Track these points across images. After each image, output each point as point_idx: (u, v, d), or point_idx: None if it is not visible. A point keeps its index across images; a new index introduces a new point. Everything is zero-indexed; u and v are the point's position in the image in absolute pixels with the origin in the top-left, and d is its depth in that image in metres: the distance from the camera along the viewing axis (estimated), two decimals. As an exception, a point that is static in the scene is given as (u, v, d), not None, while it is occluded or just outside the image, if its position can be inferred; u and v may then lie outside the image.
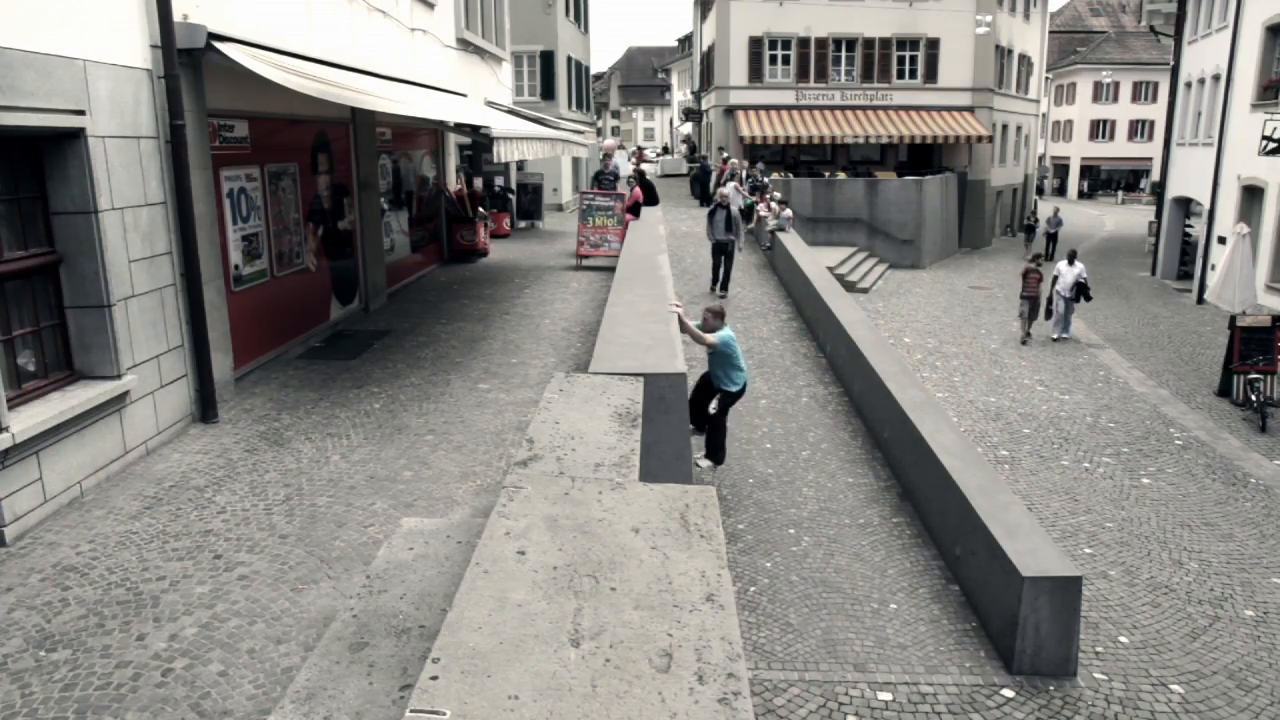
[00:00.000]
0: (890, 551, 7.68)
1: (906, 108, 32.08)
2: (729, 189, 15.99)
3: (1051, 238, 31.91)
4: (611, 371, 5.07)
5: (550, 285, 14.33)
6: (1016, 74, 37.18)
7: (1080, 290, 17.60)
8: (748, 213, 22.44)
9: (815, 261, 16.19)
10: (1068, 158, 62.09)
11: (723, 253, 15.81)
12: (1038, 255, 18.98)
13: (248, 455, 6.70)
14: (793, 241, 18.13)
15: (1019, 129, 38.80)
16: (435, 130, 15.26)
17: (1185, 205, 26.10)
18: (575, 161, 29.93)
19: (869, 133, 31.13)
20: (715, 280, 16.15)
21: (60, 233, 6.02)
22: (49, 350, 6.07)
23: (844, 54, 32.48)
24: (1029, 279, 17.64)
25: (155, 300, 6.72)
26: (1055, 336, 17.61)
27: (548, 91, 28.30)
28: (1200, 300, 22.19)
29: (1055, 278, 17.84)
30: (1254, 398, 12.76)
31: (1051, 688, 5.99)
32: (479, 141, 15.98)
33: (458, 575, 2.58)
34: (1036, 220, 35.18)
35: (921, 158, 33.39)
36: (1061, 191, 62.32)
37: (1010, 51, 35.80)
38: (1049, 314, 17.88)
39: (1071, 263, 17.77)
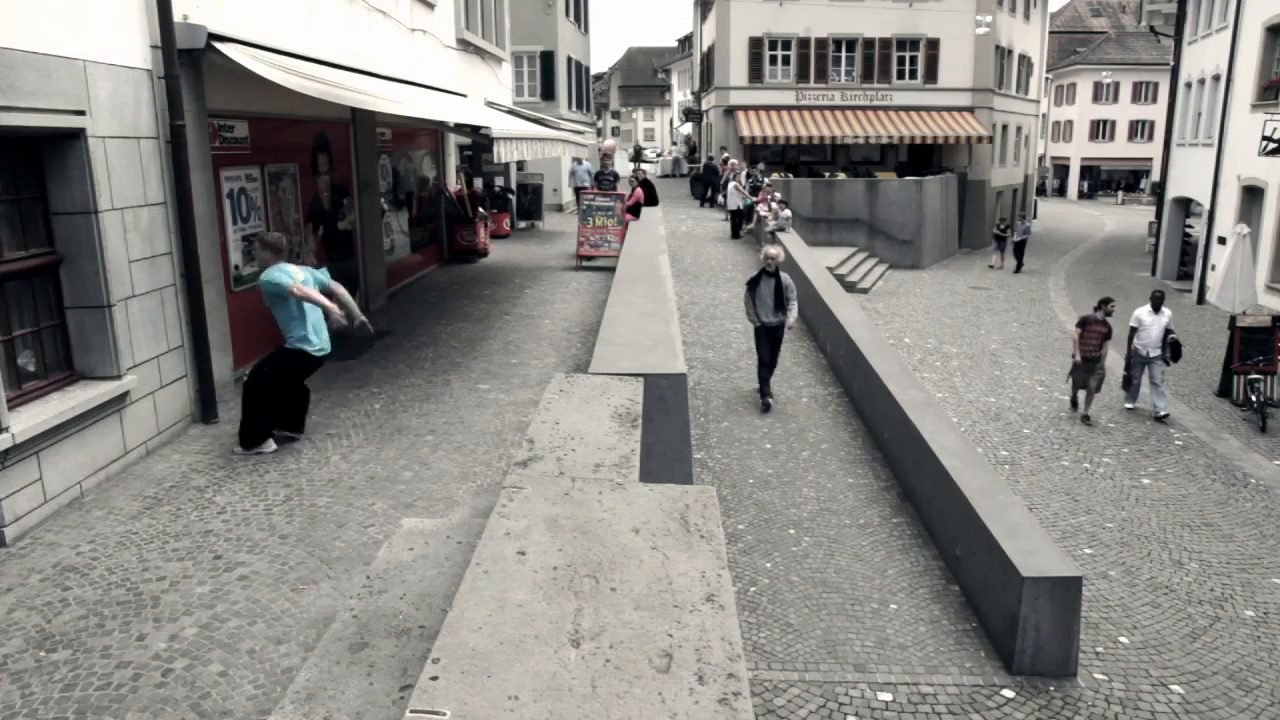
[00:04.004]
0: (890, 552, 7.68)
1: (906, 108, 32.08)
2: (775, 249, 11.16)
3: (1019, 247, 28.23)
4: (611, 372, 5.07)
5: (550, 285, 14.33)
6: (1016, 74, 37.19)
7: (1173, 349, 12.52)
8: (748, 213, 22.44)
9: (815, 262, 16.19)
10: (1068, 158, 62.12)
11: (770, 340, 10.77)
12: (1107, 300, 12.69)
13: (248, 455, 6.70)
14: (793, 242, 18.12)
15: (1019, 129, 38.81)
16: (435, 130, 15.26)
17: (1185, 206, 26.11)
18: (576, 162, 29.95)
19: (869, 133, 31.13)
20: (765, 382, 10.91)
21: (60, 233, 6.02)
22: (49, 350, 6.07)
23: (844, 54, 32.48)
24: (1090, 333, 12.25)
25: (155, 300, 6.72)
26: (1131, 405, 12.81)
27: (548, 92, 28.29)
28: (1200, 300, 22.20)
29: (1133, 330, 12.63)
30: (1254, 398, 12.76)
31: (1051, 688, 5.99)
32: (479, 142, 15.98)
33: (458, 575, 2.58)
34: (1008, 228, 29.79)
35: (921, 158, 33.40)
36: (1062, 192, 62.33)
37: (1010, 52, 35.81)
38: (1127, 383, 12.86)
39: (1157, 309, 12.58)
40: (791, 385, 11.76)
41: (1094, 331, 12.26)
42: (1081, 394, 12.56)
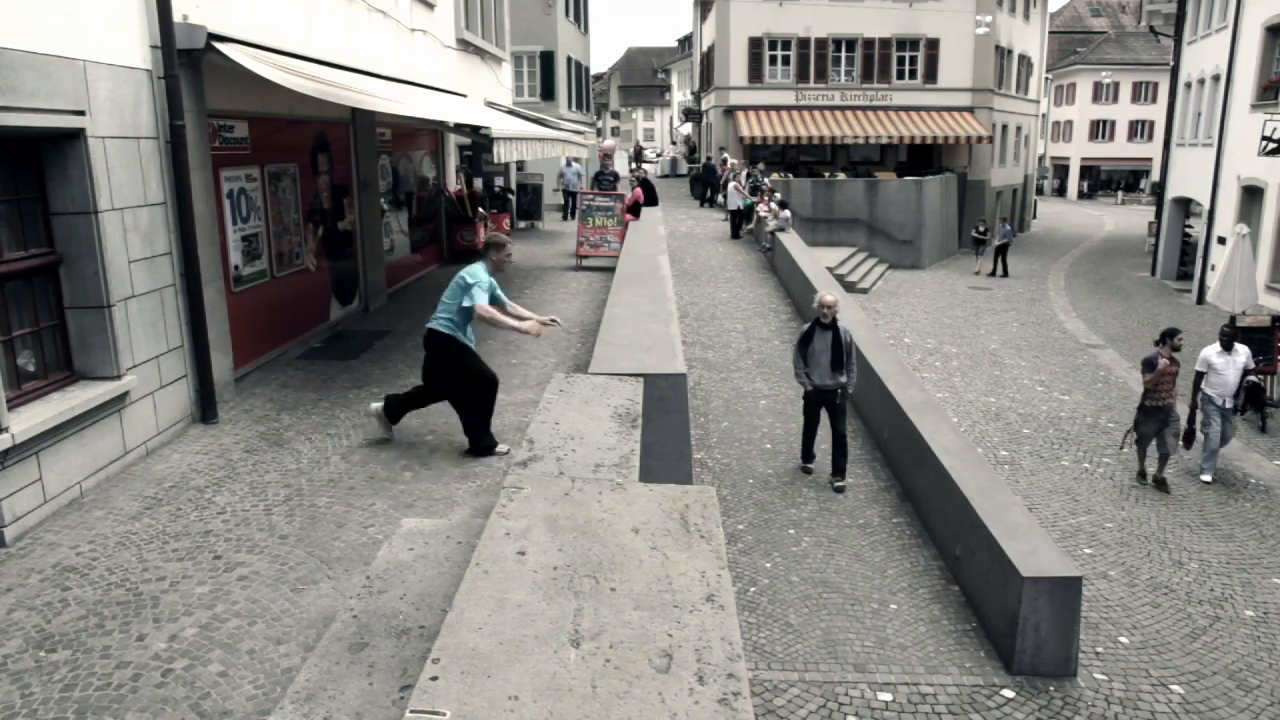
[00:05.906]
0: (890, 552, 7.68)
1: (906, 108, 32.10)
2: (831, 295, 9.15)
3: (1001, 252, 26.86)
4: (611, 372, 5.07)
5: (550, 285, 14.33)
6: (1016, 74, 37.21)
7: (1250, 395, 10.62)
8: (748, 213, 22.46)
9: (815, 262, 16.20)
10: (1067, 158, 62.15)
11: (829, 408, 9.04)
12: (1174, 332, 10.09)
13: (248, 455, 6.70)
14: (792, 242, 18.13)
15: (1019, 129, 38.83)
16: (435, 130, 15.26)
17: (1185, 206, 26.12)
18: (565, 164, 29.92)
19: (869, 133, 31.15)
20: (809, 455, 9.28)
21: (60, 233, 6.02)
22: (49, 351, 6.07)
23: (844, 54, 32.51)
24: (1163, 380, 9.93)
25: (155, 301, 6.72)
26: (1208, 479, 10.29)
27: (548, 92, 28.30)
28: (1200, 300, 22.20)
29: (1201, 374, 10.48)
30: (1254, 398, 12.75)
31: (1051, 688, 5.99)
32: (479, 142, 15.97)
33: (458, 576, 2.58)
34: (988, 230, 28.08)
35: (921, 158, 33.42)
36: (1061, 192, 62.36)
37: (1010, 52, 35.83)
38: (1190, 438, 10.46)
39: (1229, 348, 10.35)
40: (792, 385, 11.74)
41: (1166, 373, 9.89)
42: (1148, 454, 10.21)
